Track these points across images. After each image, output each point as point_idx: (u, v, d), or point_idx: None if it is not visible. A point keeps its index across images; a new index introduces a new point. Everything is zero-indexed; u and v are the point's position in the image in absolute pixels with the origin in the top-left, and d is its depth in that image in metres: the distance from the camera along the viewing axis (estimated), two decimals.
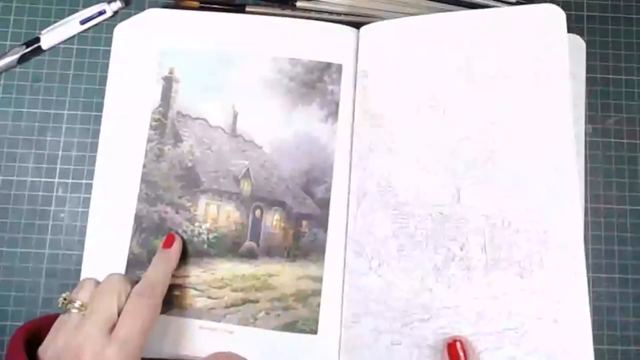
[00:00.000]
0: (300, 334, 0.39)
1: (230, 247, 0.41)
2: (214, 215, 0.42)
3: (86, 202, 0.43)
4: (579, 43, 0.45)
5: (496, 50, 0.41)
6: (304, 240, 0.41)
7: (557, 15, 0.41)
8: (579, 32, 0.46)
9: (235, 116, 0.43)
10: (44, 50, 0.45)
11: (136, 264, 0.40)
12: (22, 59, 0.45)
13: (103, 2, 0.46)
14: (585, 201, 0.44)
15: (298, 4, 0.46)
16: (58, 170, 0.44)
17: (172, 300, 0.40)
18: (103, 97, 0.43)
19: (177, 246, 0.40)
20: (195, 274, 0.41)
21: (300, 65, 0.43)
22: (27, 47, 0.45)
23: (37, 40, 0.45)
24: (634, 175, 0.45)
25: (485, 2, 0.45)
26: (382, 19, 0.45)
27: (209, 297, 0.40)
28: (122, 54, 0.44)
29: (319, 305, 0.40)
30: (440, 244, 0.39)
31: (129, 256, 0.41)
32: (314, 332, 0.39)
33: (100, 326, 0.34)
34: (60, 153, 0.45)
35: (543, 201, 0.38)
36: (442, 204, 0.40)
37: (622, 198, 0.45)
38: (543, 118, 0.39)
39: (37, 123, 0.45)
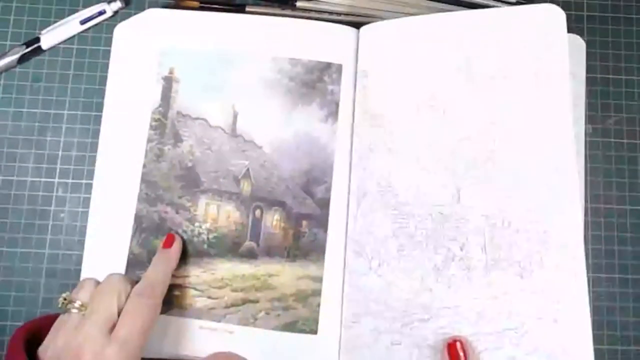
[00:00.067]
0: (300, 334, 0.39)
1: (230, 247, 0.41)
2: (214, 215, 0.42)
3: (86, 202, 0.43)
4: (579, 43, 0.45)
5: (496, 50, 0.41)
6: (304, 240, 0.41)
7: (557, 15, 0.41)
8: (579, 32, 0.46)
9: (235, 116, 0.43)
10: (44, 50, 0.45)
11: (136, 264, 0.40)
12: (22, 59, 0.45)
13: (103, 2, 0.46)
14: (585, 201, 0.44)
15: (298, 4, 0.46)
16: (58, 170, 0.44)
17: (172, 300, 0.40)
18: (103, 97, 0.43)
19: (177, 246, 0.40)
20: (195, 274, 0.41)
21: (300, 65, 0.43)
22: (27, 47, 0.45)
23: (37, 40, 0.45)
24: (634, 175, 0.45)
25: (485, 2, 0.45)
26: (382, 19, 0.45)
27: (209, 297, 0.40)
28: (122, 54, 0.44)
29: (319, 305, 0.40)
30: (440, 244, 0.39)
31: (129, 256, 0.41)
32: (314, 332, 0.39)
33: (100, 326, 0.34)
34: (60, 153, 0.45)
35: (543, 201, 0.38)
36: (442, 204, 0.40)
37: (622, 198, 0.45)
38: (543, 118, 0.39)
39: (37, 123, 0.45)
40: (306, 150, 0.42)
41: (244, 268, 0.41)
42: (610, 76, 0.46)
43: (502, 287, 0.38)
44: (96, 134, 0.43)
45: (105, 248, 0.41)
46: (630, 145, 0.45)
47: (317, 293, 0.40)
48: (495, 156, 0.40)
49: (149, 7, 0.46)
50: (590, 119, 0.45)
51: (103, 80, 0.44)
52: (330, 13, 0.46)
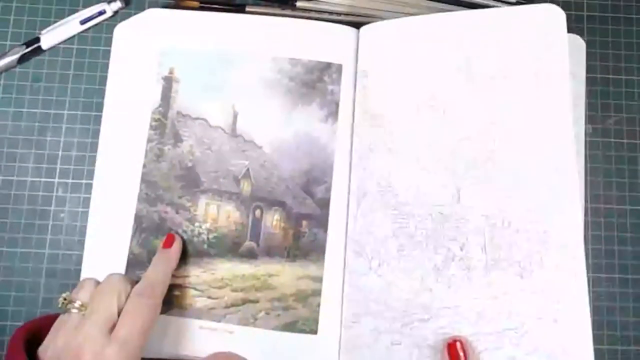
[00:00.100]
0: (300, 334, 0.39)
1: (230, 247, 0.41)
2: (214, 215, 0.42)
3: (86, 202, 0.43)
4: (579, 43, 0.45)
5: (496, 50, 0.41)
6: (304, 240, 0.41)
7: (557, 15, 0.41)
8: (579, 32, 0.46)
9: (235, 116, 0.43)
10: (44, 50, 0.45)
11: (136, 264, 0.40)
12: (22, 59, 0.45)
13: (103, 2, 0.46)
14: (585, 201, 0.44)
15: (298, 4, 0.46)
16: (58, 170, 0.44)
17: (172, 300, 0.40)
18: (103, 97, 0.43)
19: (177, 246, 0.40)
20: (195, 274, 0.41)
21: (300, 65, 0.43)
22: (27, 47, 0.45)
23: (37, 40, 0.45)
24: (634, 175, 0.45)
25: (485, 2, 0.45)
26: (382, 19, 0.45)
27: (209, 297, 0.40)
28: (122, 54, 0.44)
29: (319, 305, 0.40)
30: (440, 244, 0.39)
31: (129, 256, 0.41)
32: (314, 332, 0.39)
33: (100, 326, 0.34)
34: (60, 153, 0.45)
35: (543, 201, 0.38)
36: (442, 204, 0.40)
37: (622, 198, 0.45)
38: (543, 118, 0.39)
39: (37, 123, 0.45)
40: (306, 150, 0.42)
41: (244, 268, 0.41)
42: (610, 76, 0.46)
43: (502, 287, 0.38)
44: (96, 134, 0.43)
45: (105, 248, 0.41)
46: (630, 145, 0.45)
47: (317, 293, 0.40)
48: (495, 156, 0.40)
49: (149, 7, 0.46)
50: (590, 119, 0.45)
51: (103, 80, 0.44)
52: (330, 13, 0.46)
